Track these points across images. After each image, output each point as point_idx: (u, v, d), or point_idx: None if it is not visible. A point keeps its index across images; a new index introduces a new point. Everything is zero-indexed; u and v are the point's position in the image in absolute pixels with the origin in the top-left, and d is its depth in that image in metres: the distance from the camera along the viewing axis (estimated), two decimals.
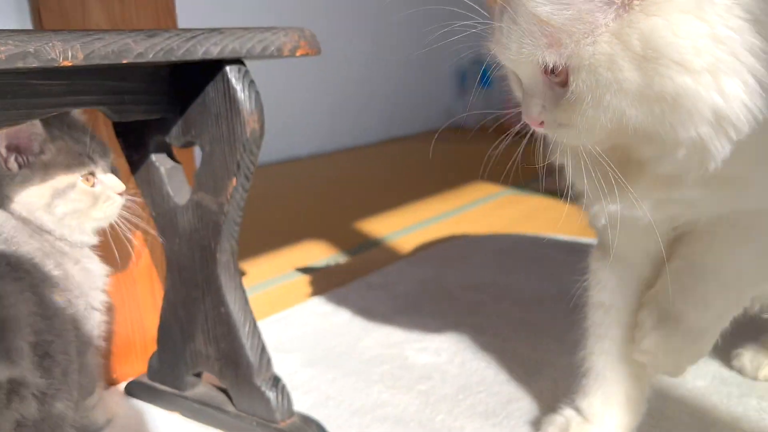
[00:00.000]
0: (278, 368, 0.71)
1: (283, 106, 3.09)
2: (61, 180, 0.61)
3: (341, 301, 1.08)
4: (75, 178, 0.62)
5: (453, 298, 1.07)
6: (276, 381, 0.68)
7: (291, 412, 0.68)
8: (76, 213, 0.62)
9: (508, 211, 1.72)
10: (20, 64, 0.46)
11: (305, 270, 1.30)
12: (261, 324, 1.00)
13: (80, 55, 0.49)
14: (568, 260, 1.22)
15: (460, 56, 4.40)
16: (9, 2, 0.72)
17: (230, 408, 0.70)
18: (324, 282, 1.21)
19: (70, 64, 0.48)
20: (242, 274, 1.25)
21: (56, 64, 0.48)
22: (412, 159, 2.97)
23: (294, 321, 1.01)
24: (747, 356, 0.77)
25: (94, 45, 0.50)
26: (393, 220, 1.69)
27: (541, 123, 0.51)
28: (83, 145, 0.62)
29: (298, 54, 0.63)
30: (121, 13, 0.78)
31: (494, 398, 0.75)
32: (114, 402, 0.77)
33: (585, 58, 0.44)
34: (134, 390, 0.79)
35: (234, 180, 0.63)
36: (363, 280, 1.18)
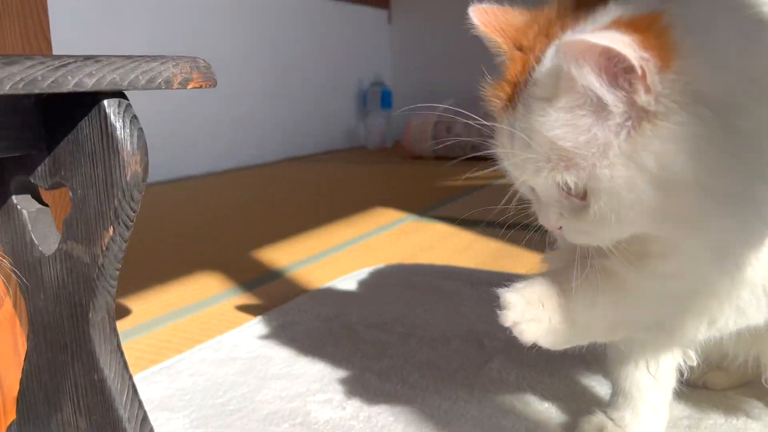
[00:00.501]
0: (163, 431, 0.63)
1: (177, 120, 2.95)
2: None
3: (237, 346, 1.00)
4: None
5: (358, 339, 1.01)
6: None
7: None
8: None
9: (413, 238, 1.69)
10: None
11: (197, 307, 1.20)
12: (144, 375, 0.91)
13: None
14: (474, 294, 1.21)
15: (361, 77, 4.43)
16: None
17: None
18: (217, 322, 1.12)
19: None
20: (123, 318, 1.14)
21: None
22: (314, 179, 2.91)
23: (183, 370, 0.92)
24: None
25: None
26: (294, 248, 1.61)
27: (560, 227, 0.52)
28: None
29: (189, 87, 0.55)
30: None
31: None
32: None
33: (604, 182, 0.45)
34: None
35: (111, 229, 0.54)
36: (261, 320, 1.10)
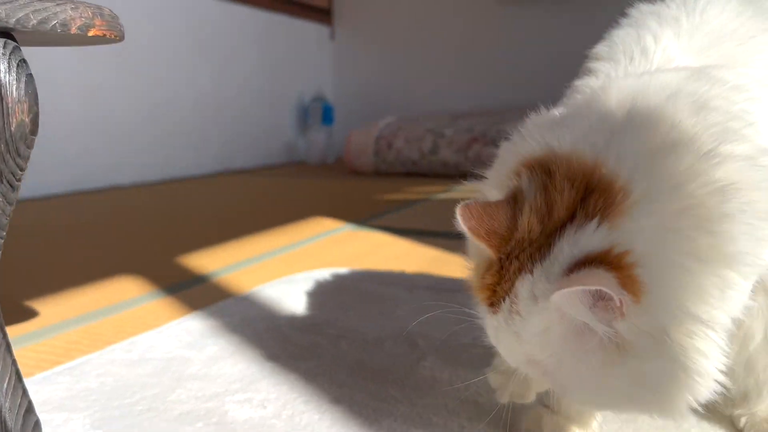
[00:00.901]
0: None
1: (105, 127, 2.83)
2: None
3: (152, 347, 0.93)
4: None
5: (286, 341, 0.95)
6: None
7: None
8: None
9: (348, 247, 1.65)
10: None
11: (111, 310, 1.11)
12: (45, 375, 0.82)
13: None
14: (409, 298, 1.17)
15: (303, 92, 4.39)
16: None
17: None
18: (133, 325, 1.04)
19: None
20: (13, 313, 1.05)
21: None
22: (250, 192, 2.83)
23: (89, 371, 0.84)
24: None
25: None
26: (223, 254, 1.54)
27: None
28: None
29: (90, 33, 0.50)
30: None
31: None
32: None
33: (576, 383, 0.51)
34: None
35: None
36: (181, 322, 1.03)
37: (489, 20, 4.00)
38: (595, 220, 0.47)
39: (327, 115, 4.04)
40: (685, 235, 0.46)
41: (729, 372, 0.67)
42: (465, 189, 2.78)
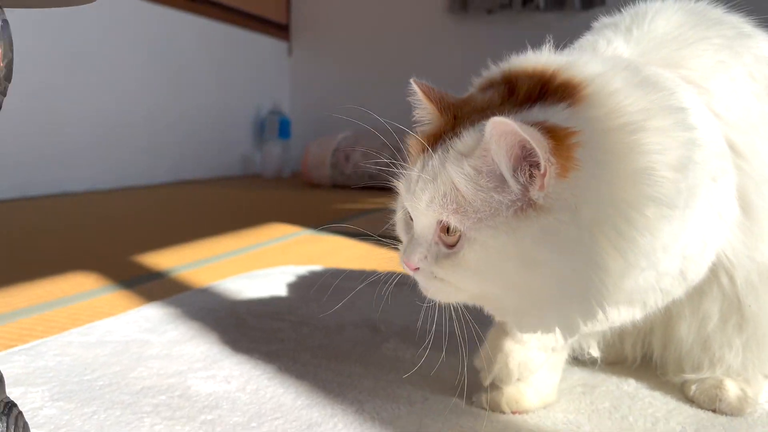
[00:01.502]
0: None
1: (55, 132, 2.76)
2: None
3: (109, 332, 0.91)
4: None
5: (247, 327, 0.95)
6: (8, 408, 0.51)
7: None
8: None
9: (307, 248, 1.65)
10: None
11: (67, 300, 1.09)
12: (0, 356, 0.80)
13: None
14: (366, 290, 1.17)
15: (260, 105, 4.39)
16: None
17: None
18: (89, 314, 1.02)
19: None
20: None
21: None
22: (205, 201, 2.80)
23: (45, 352, 0.82)
24: None
25: None
26: (180, 254, 1.52)
27: (416, 269, 0.57)
28: None
29: None
30: None
31: (293, 424, 0.64)
32: None
33: (482, 236, 0.51)
34: None
35: None
36: (139, 311, 1.01)
37: (442, 34, 4.09)
38: (563, 102, 0.53)
39: (283, 129, 4.04)
40: (619, 140, 0.52)
41: (686, 349, 0.71)
42: None
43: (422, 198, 0.54)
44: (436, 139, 0.56)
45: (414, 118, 0.62)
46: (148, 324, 0.95)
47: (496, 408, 0.69)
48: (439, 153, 0.54)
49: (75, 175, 2.82)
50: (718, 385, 0.69)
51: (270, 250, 1.62)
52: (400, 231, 0.65)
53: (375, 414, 0.67)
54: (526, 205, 0.50)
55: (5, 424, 0.51)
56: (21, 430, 0.52)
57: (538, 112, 0.53)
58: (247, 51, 4.03)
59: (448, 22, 4.09)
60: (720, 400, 0.68)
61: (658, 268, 0.57)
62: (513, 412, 0.69)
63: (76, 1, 0.55)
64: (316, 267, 1.38)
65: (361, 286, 1.19)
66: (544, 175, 0.49)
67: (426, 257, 0.56)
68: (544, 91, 0.55)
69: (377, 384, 0.75)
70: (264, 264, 1.41)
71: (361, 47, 4.29)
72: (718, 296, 0.67)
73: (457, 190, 0.52)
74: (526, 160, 0.50)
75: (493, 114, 0.49)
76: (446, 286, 0.56)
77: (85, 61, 2.80)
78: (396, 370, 0.80)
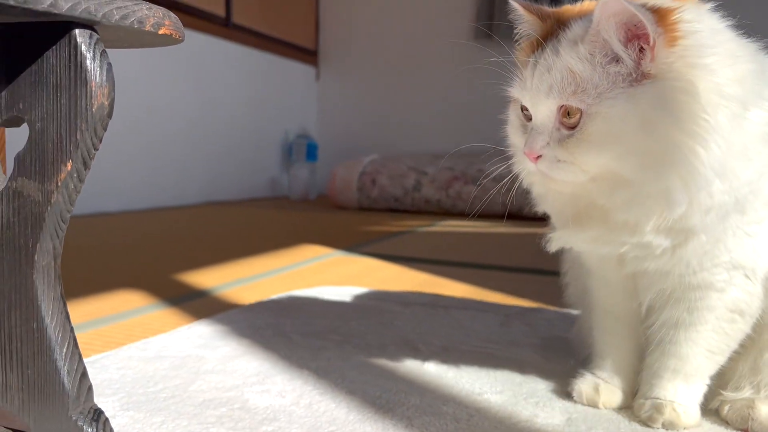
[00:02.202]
0: None
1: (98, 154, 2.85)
2: None
3: (166, 347, 0.96)
4: None
5: (294, 344, 1.00)
6: (97, 414, 0.56)
7: None
8: None
9: (340, 269, 1.70)
10: None
11: (120, 316, 1.14)
12: None
13: None
14: (406, 312, 1.22)
15: (288, 129, 4.49)
16: None
17: None
18: (142, 329, 1.07)
19: None
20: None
21: None
22: (236, 222, 2.87)
23: (108, 365, 0.87)
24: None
25: None
26: (220, 273, 1.58)
27: (538, 157, 0.63)
28: None
29: (161, 32, 0.56)
30: None
31: None
32: None
33: (603, 108, 0.58)
34: None
35: (69, 164, 0.53)
36: (190, 327, 1.06)
37: (467, 60, 4.15)
38: None
39: (311, 152, 4.12)
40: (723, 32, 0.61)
41: (737, 374, 0.74)
42: (448, 224, 2.91)
43: (541, 89, 0.62)
44: (544, 41, 0.64)
45: (516, 35, 0.71)
46: (201, 340, 0.99)
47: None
48: (550, 46, 0.62)
49: (110, 195, 2.91)
50: (750, 405, 0.72)
51: (305, 270, 1.67)
52: (514, 135, 0.71)
53: (424, 429, 0.71)
54: (640, 76, 0.58)
55: (95, 429, 0.56)
56: None
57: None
58: (276, 76, 4.13)
59: (473, 48, 4.16)
60: (752, 419, 0.70)
61: (740, 178, 0.61)
62: None
63: (162, 42, 0.61)
64: (352, 288, 1.42)
65: (397, 307, 1.24)
66: (653, 47, 0.56)
67: (548, 143, 0.62)
68: None
69: (423, 401, 0.79)
70: (301, 284, 1.46)
71: (387, 73, 4.38)
72: None
73: (573, 73, 0.60)
74: (635, 34, 0.57)
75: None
76: (569, 167, 0.62)
77: (123, 84, 2.90)
78: (440, 388, 0.84)
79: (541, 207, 0.75)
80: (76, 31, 0.52)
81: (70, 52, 0.52)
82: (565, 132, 0.62)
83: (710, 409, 0.76)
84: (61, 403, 0.55)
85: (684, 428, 0.71)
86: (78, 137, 0.52)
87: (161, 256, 1.85)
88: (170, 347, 0.96)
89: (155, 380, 0.82)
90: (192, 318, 1.14)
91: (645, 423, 0.72)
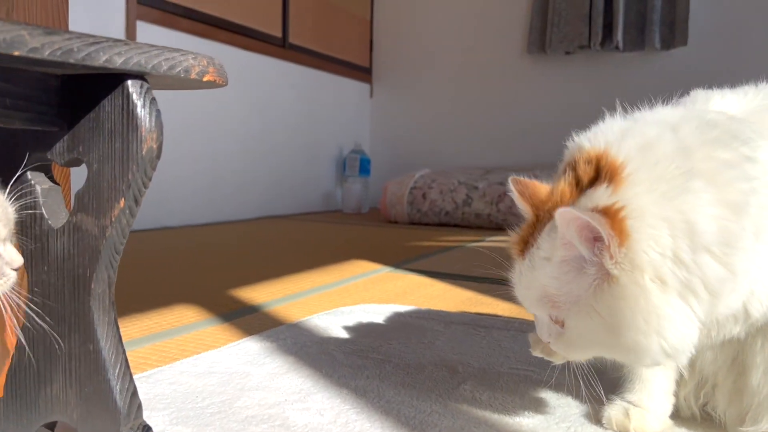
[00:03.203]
0: None
1: (157, 170, 2.98)
2: None
3: (215, 363, 1.01)
4: None
5: (336, 363, 1.03)
6: (145, 430, 0.61)
7: None
8: None
9: (387, 286, 1.73)
10: None
11: (175, 332, 1.21)
12: None
13: None
14: (447, 331, 1.24)
15: (342, 145, 4.59)
16: None
17: None
18: (195, 345, 1.13)
19: None
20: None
21: None
22: (290, 236, 2.94)
23: (161, 380, 0.93)
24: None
25: None
26: (272, 288, 1.64)
27: (548, 342, 0.70)
28: None
29: (205, 79, 0.61)
30: (8, 15, 0.73)
31: None
32: None
33: (573, 320, 0.65)
34: None
35: (122, 201, 0.58)
36: (239, 344, 1.12)
37: (520, 75, 4.14)
38: (604, 184, 0.62)
39: (364, 167, 4.18)
40: (662, 195, 0.61)
41: (755, 401, 0.73)
42: (498, 239, 2.90)
43: (527, 302, 0.69)
44: (527, 241, 0.69)
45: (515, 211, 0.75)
46: (248, 357, 1.05)
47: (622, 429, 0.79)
48: (527, 261, 0.67)
49: (172, 210, 3.04)
50: None
51: (353, 286, 1.71)
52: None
53: None
54: (601, 280, 0.61)
55: None
56: None
57: (594, 196, 0.63)
58: (331, 93, 4.22)
59: (526, 63, 4.15)
60: None
61: (720, 301, 0.63)
62: None
63: (207, 87, 0.66)
64: (396, 306, 1.45)
65: (438, 326, 1.26)
66: (608, 247, 0.59)
67: (550, 334, 0.69)
68: (598, 175, 0.64)
69: (455, 423, 0.81)
70: (348, 300, 1.50)
71: (438, 88, 4.41)
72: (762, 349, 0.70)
73: (548, 291, 0.65)
74: (594, 237, 0.60)
75: (563, 206, 0.62)
76: (569, 353, 0.70)
77: (183, 102, 3.03)
78: (473, 410, 0.86)
79: None
80: (129, 81, 0.57)
81: (123, 100, 0.57)
82: (558, 328, 0.67)
83: None
84: (114, 419, 0.60)
85: None
86: (130, 177, 0.57)
87: (217, 270, 1.93)
88: (219, 363, 1.01)
89: (203, 396, 0.87)
90: (242, 334, 1.20)
91: None
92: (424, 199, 3.46)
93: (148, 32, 2.79)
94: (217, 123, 3.27)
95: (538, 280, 0.65)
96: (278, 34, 3.68)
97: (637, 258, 0.59)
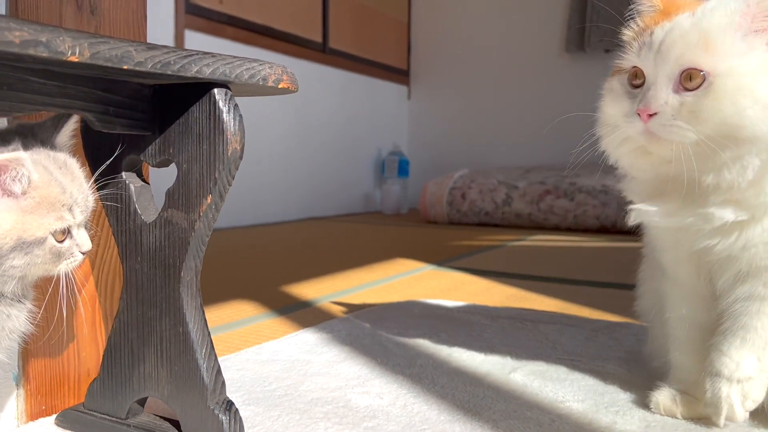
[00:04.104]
0: None
1: None
2: (32, 232, 0.56)
3: (277, 352, 1.08)
4: (47, 233, 0.57)
5: (389, 352, 1.09)
6: (229, 405, 0.68)
7: None
8: (29, 266, 0.57)
9: (431, 283, 1.78)
10: (31, 51, 0.47)
11: (236, 324, 1.28)
12: None
13: (87, 53, 0.51)
14: (494, 325, 1.29)
15: (381, 147, 4.63)
16: None
17: None
18: (256, 336, 1.20)
19: (76, 59, 0.50)
20: None
21: (63, 58, 0.50)
22: (334, 236, 3.01)
23: (230, 367, 0.99)
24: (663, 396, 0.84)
25: (100, 47, 0.52)
26: (321, 285, 1.70)
27: (651, 115, 0.69)
28: (69, 196, 0.58)
29: (280, 86, 0.67)
30: (96, 30, 0.80)
31: None
32: None
33: (734, 67, 0.65)
34: (67, 421, 0.75)
35: (209, 197, 0.65)
36: (297, 335, 1.18)
37: (559, 73, 4.15)
38: None
39: (402, 169, 4.24)
40: None
41: None
42: (539, 238, 2.93)
43: (672, 50, 0.68)
44: (667, 17, 0.72)
45: (634, 9, 0.79)
46: (307, 346, 1.11)
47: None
48: (681, 20, 0.69)
49: (222, 212, 3.14)
50: None
51: (397, 283, 1.77)
52: (615, 104, 0.77)
53: (508, 430, 0.78)
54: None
55: (228, 417, 0.67)
56: (237, 422, 0.68)
57: None
58: (370, 96, 4.29)
59: (565, 61, 4.15)
60: None
61: None
62: None
63: (282, 93, 0.72)
64: (442, 300, 1.50)
65: (485, 320, 1.30)
66: None
67: (666, 102, 0.69)
68: None
69: (508, 407, 0.86)
70: (394, 297, 1.55)
71: (476, 88, 4.44)
72: None
73: (711, 36, 0.67)
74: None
75: None
76: (680, 126, 0.68)
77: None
78: (525, 396, 0.90)
79: (629, 176, 0.82)
80: (215, 90, 0.63)
81: (210, 107, 0.64)
82: (685, 94, 0.68)
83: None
84: (201, 394, 0.66)
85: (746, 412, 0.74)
86: (216, 176, 0.64)
87: (267, 268, 2.01)
88: (281, 352, 1.08)
89: (269, 380, 0.94)
90: (297, 326, 1.26)
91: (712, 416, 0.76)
92: (464, 199, 3.49)
93: (196, 40, 2.90)
94: (259, 127, 3.36)
95: (703, 25, 0.67)
96: (318, 39, 3.77)
97: None
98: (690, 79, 0.67)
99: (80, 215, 0.61)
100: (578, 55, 4.11)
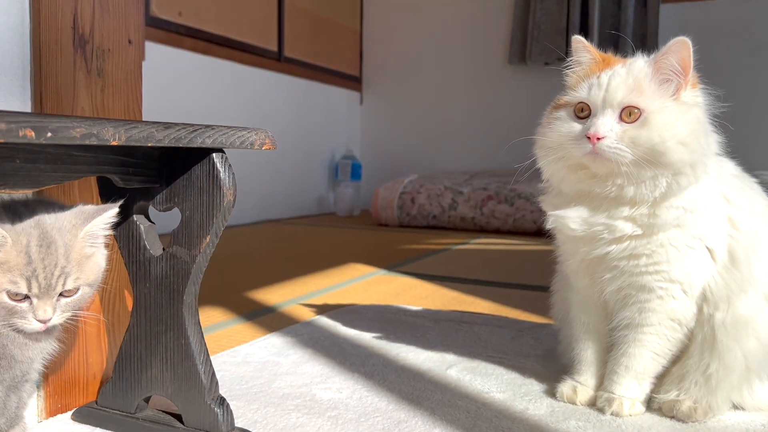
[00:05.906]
0: None
1: None
2: None
3: (249, 355, 1.25)
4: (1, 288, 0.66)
5: (345, 353, 1.28)
6: (222, 400, 0.85)
7: (233, 426, 0.85)
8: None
9: (382, 288, 1.97)
10: (87, 142, 0.64)
11: (210, 329, 1.44)
12: None
13: (123, 137, 0.68)
14: (436, 327, 1.49)
15: (334, 151, 4.79)
16: (14, 84, 0.87)
17: (179, 425, 0.86)
18: (228, 340, 1.37)
19: (116, 143, 0.67)
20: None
21: (108, 144, 0.66)
22: (290, 239, 3.17)
23: None
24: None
25: (132, 131, 0.69)
26: (281, 291, 1.87)
27: (599, 139, 0.89)
28: (31, 270, 0.66)
29: (264, 148, 0.85)
30: (102, 100, 0.96)
31: (388, 421, 0.96)
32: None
33: (661, 108, 0.89)
34: (83, 416, 0.91)
35: (208, 237, 0.82)
36: (265, 339, 1.36)
37: (502, 84, 4.40)
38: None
39: (355, 172, 4.42)
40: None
41: (667, 379, 0.98)
42: (481, 242, 3.19)
43: (618, 91, 0.89)
44: (602, 67, 0.94)
45: (570, 62, 1.00)
46: (275, 349, 1.29)
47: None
48: (619, 67, 0.92)
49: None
50: (676, 401, 0.97)
51: (352, 288, 1.95)
52: (561, 129, 0.96)
53: (443, 417, 0.98)
54: (676, 96, 0.90)
55: (222, 410, 0.84)
56: (229, 414, 0.85)
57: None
58: (323, 102, 4.45)
59: (508, 73, 4.41)
60: (676, 410, 0.96)
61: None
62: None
63: (264, 150, 0.89)
64: (392, 305, 1.70)
65: (429, 323, 1.51)
66: (686, 84, 0.90)
67: (611, 129, 0.89)
68: None
69: (444, 397, 1.06)
70: (351, 300, 1.74)
71: (426, 96, 4.66)
72: (699, 331, 0.96)
73: (641, 84, 0.89)
74: (683, 67, 0.89)
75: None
76: (621, 149, 0.88)
77: (183, 115, 3.25)
78: (458, 388, 1.10)
79: (555, 190, 1.01)
80: (214, 154, 0.81)
81: (209, 168, 0.81)
82: (624, 125, 0.89)
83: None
84: (200, 392, 0.84)
85: (629, 415, 0.96)
86: (214, 221, 0.81)
87: (230, 274, 2.17)
88: (253, 355, 1.25)
89: (246, 379, 1.11)
90: (265, 331, 1.44)
91: (601, 411, 0.98)
92: (413, 203, 3.70)
93: (156, 52, 3.01)
94: None
95: (634, 75, 0.90)
96: (274, 48, 3.91)
97: (699, 99, 0.93)
98: (629, 115, 0.89)
99: (36, 290, 0.67)
100: (520, 67, 4.37)
